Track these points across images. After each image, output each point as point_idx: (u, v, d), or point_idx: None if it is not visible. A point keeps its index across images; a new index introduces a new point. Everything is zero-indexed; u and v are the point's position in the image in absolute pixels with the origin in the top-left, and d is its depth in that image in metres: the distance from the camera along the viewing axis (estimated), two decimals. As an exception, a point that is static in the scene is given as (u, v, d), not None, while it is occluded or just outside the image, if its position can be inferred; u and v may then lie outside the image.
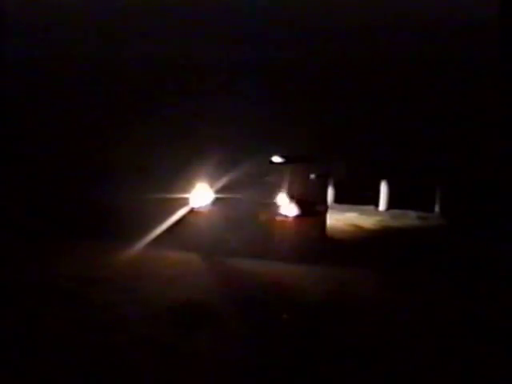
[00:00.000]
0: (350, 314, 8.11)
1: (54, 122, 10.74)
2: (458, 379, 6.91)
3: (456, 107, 10.25)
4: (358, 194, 10.50)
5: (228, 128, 10.46)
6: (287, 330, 7.75)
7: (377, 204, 10.40)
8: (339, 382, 6.89)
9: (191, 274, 8.82)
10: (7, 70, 10.38)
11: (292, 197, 10.29)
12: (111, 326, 7.56)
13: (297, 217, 10.21)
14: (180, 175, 10.21)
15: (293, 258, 9.37)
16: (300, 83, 10.32)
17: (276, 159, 10.48)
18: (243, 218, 9.87)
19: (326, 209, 10.32)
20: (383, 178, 10.31)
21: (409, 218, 10.20)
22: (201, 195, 10.32)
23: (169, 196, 9.95)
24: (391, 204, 10.35)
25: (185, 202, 10.20)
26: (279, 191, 10.29)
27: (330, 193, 10.44)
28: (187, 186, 10.29)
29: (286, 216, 10.19)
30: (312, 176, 10.39)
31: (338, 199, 10.48)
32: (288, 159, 10.43)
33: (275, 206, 10.21)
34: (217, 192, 10.29)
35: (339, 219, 10.25)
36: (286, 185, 10.32)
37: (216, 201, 10.31)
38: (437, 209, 10.22)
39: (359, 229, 10.20)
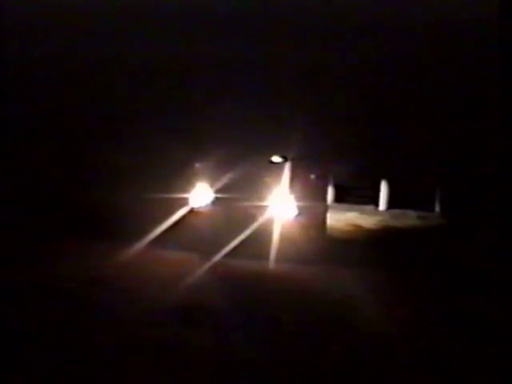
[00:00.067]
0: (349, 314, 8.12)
1: (53, 122, 10.73)
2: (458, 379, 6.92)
3: (456, 107, 10.24)
4: (358, 194, 10.50)
5: (228, 128, 10.44)
6: (287, 329, 7.76)
7: (377, 204, 10.40)
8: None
9: (191, 274, 8.81)
10: (7, 70, 10.38)
11: (292, 197, 10.29)
12: (111, 326, 7.55)
13: (297, 217, 10.20)
14: (180, 175, 10.21)
15: (292, 258, 9.37)
16: (300, 83, 10.32)
17: (276, 159, 10.47)
18: (243, 218, 9.87)
19: (325, 209, 10.32)
20: (383, 178, 10.31)
21: (409, 218, 10.20)
22: (201, 195, 10.32)
23: (169, 196, 9.94)
24: (391, 204, 10.34)
25: (185, 201, 10.20)
26: (279, 191, 10.29)
27: (330, 193, 10.43)
28: (187, 185, 10.29)
29: (285, 216, 10.19)
30: (312, 176, 10.39)
31: (338, 199, 10.48)
32: (288, 159, 10.42)
33: (275, 206, 10.21)
34: (216, 192, 10.29)
35: (339, 219, 10.25)
36: (285, 185, 10.32)
37: (216, 201, 10.31)
38: (437, 208, 10.22)
39: (359, 229, 10.20)
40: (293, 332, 7.69)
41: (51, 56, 10.65)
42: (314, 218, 10.21)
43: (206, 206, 10.30)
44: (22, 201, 10.07)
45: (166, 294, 8.26)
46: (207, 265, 9.13)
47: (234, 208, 10.10)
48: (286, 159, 10.42)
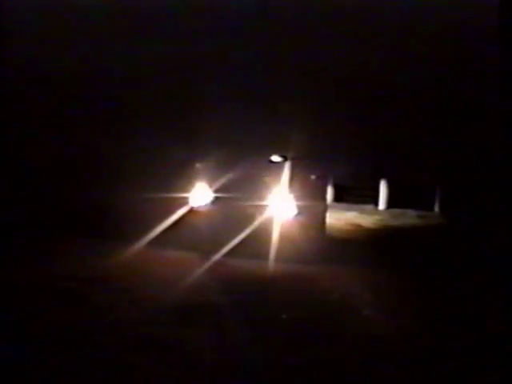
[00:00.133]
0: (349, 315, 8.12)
1: (53, 122, 10.73)
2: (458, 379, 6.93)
3: (456, 107, 10.24)
4: (357, 194, 10.51)
5: (228, 128, 10.44)
6: (287, 329, 7.77)
7: (376, 203, 10.41)
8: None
9: (191, 274, 8.81)
10: (7, 70, 10.37)
11: (291, 196, 10.29)
12: (111, 326, 7.55)
13: (296, 216, 10.21)
14: (180, 175, 10.22)
15: (292, 258, 9.38)
16: (300, 83, 10.31)
17: (275, 159, 10.48)
18: (242, 218, 9.87)
19: (325, 208, 10.33)
20: (383, 178, 10.32)
21: (408, 217, 10.21)
22: (200, 195, 10.32)
23: (168, 195, 9.95)
24: (391, 203, 10.35)
25: (184, 201, 10.21)
26: (279, 190, 10.29)
27: (330, 192, 10.44)
28: (187, 185, 10.29)
29: (285, 215, 10.20)
30: (312, 177, 10.39)
31: (338, 198, 10.49)
32: (288, 159, 10.43)
33: (274, 206, 10.21)
34: (216, 191, 10.30)
35: (339, 218, 10.26)
36: (285, 184, 10.32)
37: (215, 200, 10.32)
38: (436, 208, 10.23)
39: (359, 228, 10.21)
40: (293, 332, 7.70)
41: (50, 55, 10.63)
42: (313, 218, 10.21)
43: (206, 205, 10.31)
44: (22, 200, 10.07)
45: (166, 294, 8.26)
46: (207, 264, 9.13)
47: (234, 207, 10.10)
48: (285, 159, 10.43)
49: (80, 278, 8.67)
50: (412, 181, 10.35)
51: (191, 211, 10.19)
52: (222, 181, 10.22)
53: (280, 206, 10.20)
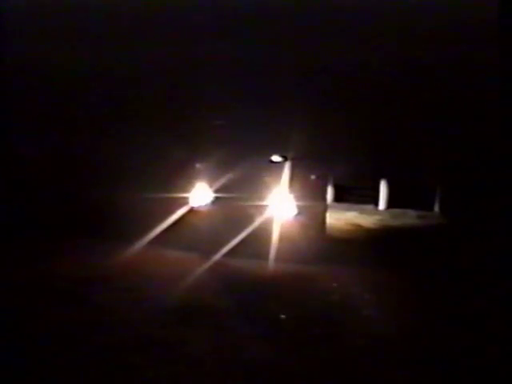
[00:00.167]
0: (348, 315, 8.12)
1: (53, 122, 10.73)
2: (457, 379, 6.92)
3: (456, 107, 10.24)
4: (357, 194, 10.51)
5: (228, 128, 10.44)
6: (287, 329, 7.76)
7: (376, 203, 10.41)
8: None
9: (191, 274, 8.81)
10: (7, 70, 10.37)
11: (291, 196, 10.29)
12: (111, 326, 7.55)
13: (296, 216, 10.21)
14: (180, 175, 10.22)
15: (292, 258, 9.38)
16: (300, 83, 10.31)
17: (276, 158, 10.48)
18: (242, 218, 9.87)
19: (325, 208, 10.33)
20: (383, 178, 10.32)
21: (409, 217, 10.21)
22: (200, 195, 10.32)
23: (168, 195, 9.95)
24: (391, 203, 10.35)
25: (184, 201, 10.21)
26: (279, 190, 10.29)
27: (330, 192, 10.44)
28: (187, 185, 10.29)
29: (285, 215, 10.19)
30: (312, 177, 10.39)
31: (338, 198, 10.49)
32: (288, 159, 10.43)
33: (274, 206, 10.21)
34: (216, 191, 10.30)
35: (339, 218, 10.26)
36: (285, 184, 10.32)
37: (215, 200, 10.32)
38: (436, 208, 10.23)
39: (359, 228, 10.20)
40: (293, 332, 7.69)
41: (50, 55, 10.63)
42: (313, 218, 10.21)
43: (206, 205, 10.31)
44: (22, 200, 10.08)
45: (166, 294, 8.25)
46: (207, 264, 9.13)
47: (234, 207, 10.10)
48: (285, 159, 10.43)
49: (80, 278, 8.67)
50: (412, 181, 10.36)
51: (191, 211, 10.19)
52: (222, 181, 10.22)
53: (280, 206, 10.20)
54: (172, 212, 9.88)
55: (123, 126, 10.62)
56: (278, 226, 9.88)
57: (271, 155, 10.45)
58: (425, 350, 7.34)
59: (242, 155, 10.11)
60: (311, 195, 10.32)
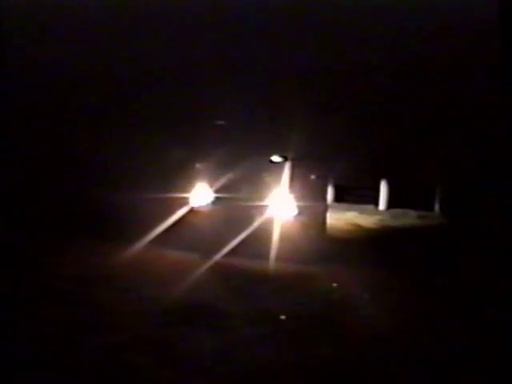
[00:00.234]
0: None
1: (54, 122, 10.73)
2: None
3: (456, 107, 10.24)
4: (357, 194, 10.51)
5: (228, 128, 10.45)
6: (287, 329, 7.76)
7: (377, 203, 10.41)
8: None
9: (191, 274, 8.80)
10: (7, 70, 10.37)
11: (292, 196, 10.29)
12: (111, 326, 7.54)
13: (297, 216, 10.20)
14: (180, 175, 10.22)
15: (292, 258, 9.37)
16: (300, 84, 10.32)
17: (276, 159, 10.48)
18: (243, 218, 9.86)
19: (325, 208, 10.33)
20: (383, 178, 10.32)
21: (409, 217, 10.21)
22: (201, 195, 10.32)
23: (169, 195, 9.94)
24: (391, 203, 10.35)
25: (185, 201, 10.20)
26: (279, 191, 10.29)
27: (330, 192, 10.44)
28: (187, 185, 10.29)
29: (285, 215, 10.19)
30: (313, 177, 10.39)
31: (338, 198, 10.49)
32: (288, 159, 10.43)
33: (275, 206, 10.21)
34: (216, 192, 10.29)
35: (339, 218, 10.26)
36: (285, 184, 10.32)
37: (216, 200, 10.31)
38: (437, 208, 10.23)
39: (359, 228, 10.20)
40: (293, 332, 7.69)
41: (52, 56, 10.63)
42: (313, 218, 10.21)
43: (206, 205, 10.31)
44: (22, 200, 10.07)
45: (166, 294, 8.24)
46: (207, 264, 9.12)
47: (234, 207, 10.10)
48: (286, 159, 10.42)
49: (80, 277, 8.66)
50: (412, 181, 10.36)
51: (192, 211, 10.19)
52: (223, 181, 10.22)
53: (280, 206, 10.20)
54: (172, 212, 9.88)
55: (124, 126, 10.63)
56: (279, 226, 9.87)
57: (271, 155, 10.45)
58: (425, 349, 7.33)
59: (242, 155, 10.12)
60: (311, 195, 10.32)
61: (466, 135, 10.00)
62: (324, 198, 10.41)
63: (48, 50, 10.46)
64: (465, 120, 10.13)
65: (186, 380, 6.72)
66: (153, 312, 7.88)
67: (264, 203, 10.14)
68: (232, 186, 10.17)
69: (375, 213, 10.36)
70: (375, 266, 9.08)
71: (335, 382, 6.84)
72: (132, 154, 10.42)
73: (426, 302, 8.46)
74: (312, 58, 10.35)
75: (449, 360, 7.15)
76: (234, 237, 9.49)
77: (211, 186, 10.31)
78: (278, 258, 9.38)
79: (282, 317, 7.96)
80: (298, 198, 10.26)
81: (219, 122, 10.42)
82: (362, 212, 10.35)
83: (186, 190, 10.26)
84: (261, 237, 9.64)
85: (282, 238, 9.69)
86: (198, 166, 10.45)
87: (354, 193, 10.54)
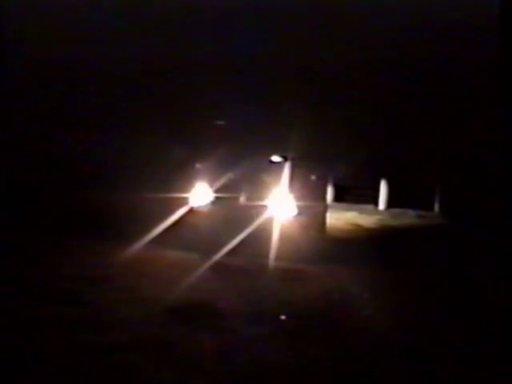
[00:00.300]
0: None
1: (53, 122, 10.72)
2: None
3: (455, 106, 10.24)
4: (357, 193, 10.52)
5: (228, 128, 10.45)
6: (287, 329, 7.77)
7: (376, 203, 10.42)
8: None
9: (191, 274, 8.81)
10: (7, 70, 10.36)
11: (292, 196, 10.29)
12: (111, 326, 7.54)
13: (296, 216, 10.21)
14: (180, 175, 10.22)
15: (292, 257, 9.39)
16: (300, 83, 10.31)
17: (276, 159, 10.48)
18: (242, 218, 9.87)
19: (325, 208, 10.34)
20: (383, 178, 10.33)
21: (408, 217, 10.23)
22: (200, 195, 10.33)
23: (168, 195, 9.95)
24: (391, 203, 10.37)
25: (184, 201, 10.21)
26: (279, 191, 10.30)
27: (330, 192, 10.45)
28: (187, 185, 10.29)
29: (285, 215, 10.20)
30: (313, 177, 10.40)
31: (338, 198, 10.50)
32: (288, 159, 10.43)
33: (274, 206, 10.21)
34: (216, 191, 10.30)
35: (339, 218, 10.28)
36: (285, 184, 10.33)
37: (216, 200, 10.32)
38: (436, 208, 10.24)
39: (359, 228, 10.22)
40: (293, 332, 7.69)
41: (50, 55, 10.62)
42: (313, 218, 10.22)
43: (206, 205, 10.32)
44: (22, 200, 10.07)
45: (166, 294, 8.25)
46: (207, 264, 9.13)
47: (234, 207, 10.12)
48: (285, 159, 10.43)
49: (80, 277, 8.67)
50: (412, 181, 10.36)
51: (191, 211, 10.19)
52: (222, 181, 10.22)
53: (280, 206, 10.20)
54: (172, 212, 9.88)
55: (123, 125, 10.62)
56: (278, 226, 9.89)
57: (271, 155, 10.46)
58: (425, 349, 7.34)
59: (242, 155, 10.12)
60: (311, 195, 10.32)
61: (465, 135, 10.00)
62: (324, 198, 10.42)
63: (47, 50, 10.44)
64: (464, 120, 10.12)
65: (186, 380, 6.72)
66: (153, 312, 7.88)
67: (264, 203, 10.15)
68: (232, 186, 10.18)
69: (375, 212, 10.37)
70: (375, 265, 9.09)
71: (335, 382, 6.84)
72: (132, 154, 10.41)
73: (425, 301, 8.48)
74: (312, 57, 10.34)
75: (449, 360, 7.16)
76: (234, 237, 9.50)
77: (211, 186, 10.32)
78: (278, 257, 9.39)
79: (282, 317, 7.97)
80: (297, 198, 10.27)
81: (219, 122, 10.41)
82: (361, 212, 10.36)
83: (186, 190, 10.26)
84: (260, 237, 9.64)
85: (282, 237, 9.70)
86: (197, 165, 10.46)
87: (354, 192, 10.56)
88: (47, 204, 10.08)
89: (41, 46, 10.46)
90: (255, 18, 10.24)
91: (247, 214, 9.95)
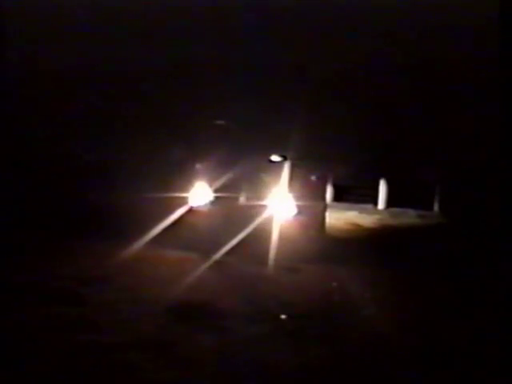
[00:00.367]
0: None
1: (53, 123, 10.72)
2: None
3: (455, 106, 10.24)
4: (357, 193, 10.52)
5: (228, 127, 10.45)
6: (287, 329, 7.77)
7: (376, 202, 10.42)
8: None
9: (190, 273, 8.81)
10: (7, 70, 10.36)
11: (291, 196, 10.30)
12: (111, 326, 7.54)
13: (296, 216, 10.22)
14: (179, 175, 10.21)
15: (292, 257, 9.39)
16: (300, 83, 10.31)
17: (275, 158, 10.48)
18: (242, 217, 9.87)
19: (325, 208, 10.34)
20: (382, 177, 10.33)
21: (408, 217, 10.23)
22: (200, 194, 10.32)
23: (168, 195, 9.95)
24: (390, 202, 10.37)
25: (184, 201, 10.20)
26: (278, 190, 10.30)
27: (329, 192, 10.45)
28: (186, 185, 10.29)
29: (285, 215, 10.20)
30: (312, 176, 10.40)
31: (338, 198, 10.50)
32: (287, 158, 10.43)
33: (274, 206, 10.22)
34: (216, 191, 10.30)
35: (339, 218, 10.28)
36: (285, 184, 10.33)
37: (215, 200, 10.32)
38: (436, 207, 10.24)
39: (358, 227, 10.22)
40: (293, 332, 7.70)
41: (50, 56, 10.61)
42: (313, 217, 10.23)
43: (206, 205, 10.31)
44: (22, 201, 10.07)
45: (165, 293, 8.25)
46: (207, 264, 9.13)
47: (234, 207, 10.12)
48: (285, 158, 10.43)
49: (80, 277, 8.67)
50: (411, 180, 10.36)
51: (191, 211, 10.19)
52: (222, 180, 10.22)
53: (280, 205, 10.20)
54: (172, 212, 9.88)
55: (123, 126, 10.62)
56: (278, 226, 9.89)
57: (271, 155, 10.46)
58: (425, 348, 7.34)
59: (242, 155, 10.12)
60: (311, 195, 10.33)
61: (465, 134, 10.00)
62: (323, 198, 10.42)
63: (47, 50, 10.44)
64: (464, 119, 10.12)
65: (186, 380, 6.72)
66: (152, 311, 7.88)
67: (263, 203, 10.15)
68: (231, 186, 10.18)
69: (374, 212, 10.38)
70: (375, 265, 9.10)
71: (335, 382, 6.85)
72: (131, 154, 10.41)
73: (425, 301, 8.48)
74: (312, 57, 10.34)
75: (449, 360, 7.17)
76: (234, 236, 9.51)
77: (210, 186, 10.32)
78: (278, 257, 9.40)
79: (282, 316, 7.97)
80: (297, 198, 10.27)
81: (219, 122, 10.41)
82: (361, 211, 10.37)
83: (186, 190, 10.26)
84: (260, 236, 9.65)
85: (282, 237, 9.70)
86: (197, 165, 10.45)
87: (354, 192, 10.56)
88: (47, 204, 10.08)
89: (41, 46, 10.47)
90: (255, 18, 10.24)
91: (247, 214, 9.95)
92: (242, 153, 10.12)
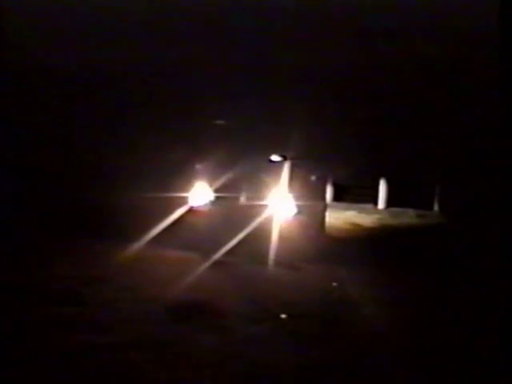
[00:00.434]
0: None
1: (53, 123, 10.72)
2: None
3: (455, 106, 10.25)
4: (356, 193, 10.52)
5: (228, 128, 10.45)
6: (287, 329, 7.77)
7: (376, 202, 10.42)
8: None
9: (190, 273, 8.81)
10: (7, 70, 10.36)
11: (291, 196, 10.30)
12: (111, 326, 7.54)
13: (296, 215, 10.22)
14: (180, 175, 10.22)
15: (291, 257, 9.39)
16: (300, 83, 10.32)
17: (275, 158, 10.48)
18: (242, 217, 9.88)
19: (324, 207, 10.34)
20: (382, 177, 10.33)
21: (408, 216, 10.23)
22: (200, 194, 10.32)
23: (168, 195, 9.95)
24: (390, 202, 10.36)
25: (184, 201, 10.21)
26: (278, 190, 10.30)
27: (329, 191, 10.45)
28: (186, 184, 10.29)
29: (284, 215, 10.20)
30: (312, 176, 10.41)
31: (337, 198, 10.50)
32: (287, 158, 10.44)
33: (274, 205, 10.22)
34: (216, 191, 10.30)
35: (338, 217, 10.28)
36: (284, 184, 10.33)
37: (215, 200, 10.32)
38: (436, 207, 10.24)
39: (358, 227, 10.22)
40: (293, 332, 7.70)
41: (51, 56, 10.62)
42: (313, 217, 10.23)
43: (206, 205, 10.32)
44: (22, 201, 10.07)
45: (165, 293, 8.25)
46: (207, 264, 9.14)
47: (234, 207, 10.12)
48: (285, 158, 10.43)
49: (80, 277, 8.67)
50: (411, 180, 10.37)
51: (191, 211, 10.19)
52: (222, 181, 10.23)
53: (279, 205, 10.21)
54: (172, 212, 9.89)
55: (123, 125, 10.62)
56: (278, 226, 9.89)
57: (271, 155, 10.46)
58: (425, 348, 7.35)
59: (242, 155, 10.12)
60: (310, 194, 10.33)
61: (465, 134, 10.00)
62: (323, 197, 10.43)
63: (47, 50, 10.44)
64: (464, 119, 10.13)
65: (186, 380, 6.72)
66: (153, 311, 7.88)
67: (263, 202, 10.16)
68: (231, 186, 10.18)
69: (374, 212, 10.37)
70: (374, 264, 9.10)
71: (335, 382, 6.85)
72: (131, 154, 10.41)
73: (425, 300, 8.48)
74: (312, 57, 10.34)
75: (448, 359, 7.17)
76: (234, 236, 9.51)
77: (211, 186, 10.32)
78: (278, 257, 9.40)
79: (283, 316, 7.98)
80: (297, 197, 10.28)
81: (219, 122, 10.42)
82: (360, 211, 10.36)
83: (186, 190, 10.26)
84: (260, 236, 9.65)
85: (281, 237, 9.71)
86: (197, 165, 10.46)
87: (353, 192, 10.56)
88: (47, 204, 10.08)
89: (40, 47, 10.47)
90: (255, 18, 10.24)
91: (247, 214, 9.95)
92: (242, 153, 10.12)
